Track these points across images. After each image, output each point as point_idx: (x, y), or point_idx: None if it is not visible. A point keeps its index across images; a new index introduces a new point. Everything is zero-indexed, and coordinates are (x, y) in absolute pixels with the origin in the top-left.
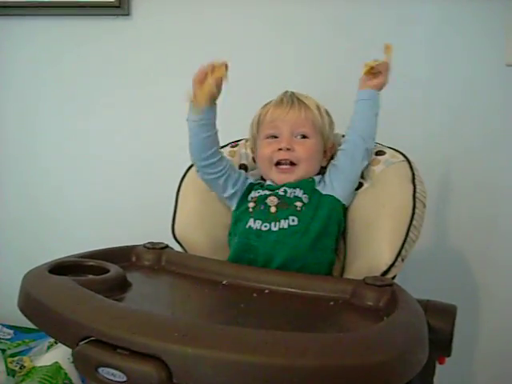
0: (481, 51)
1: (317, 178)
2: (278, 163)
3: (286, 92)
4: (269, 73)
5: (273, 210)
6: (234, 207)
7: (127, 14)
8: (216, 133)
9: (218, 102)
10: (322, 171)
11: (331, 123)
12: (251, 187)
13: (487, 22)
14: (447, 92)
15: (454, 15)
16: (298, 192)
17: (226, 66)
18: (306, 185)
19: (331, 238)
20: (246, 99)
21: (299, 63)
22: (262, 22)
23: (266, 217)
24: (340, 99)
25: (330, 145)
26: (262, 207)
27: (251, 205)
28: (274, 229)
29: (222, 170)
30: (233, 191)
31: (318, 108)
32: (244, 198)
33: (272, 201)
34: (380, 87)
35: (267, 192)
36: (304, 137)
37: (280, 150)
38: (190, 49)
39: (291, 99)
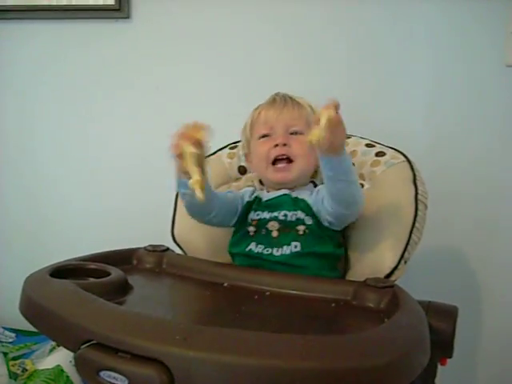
0: (480, 52)
1: (311, 196)
2: (274, 162)
3: (278, 93)
4: (268, 73)
5: (275, 234)
6: (233, 224)
7: (127, 17)
8: (212, 193)
9: (218, 102)
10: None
11: None
12: (249, 206)
13: (487, 23)
14: (447, 93)
15: (454, 16)
16: (300, 214)
17: (203, 128)
18: (305, 207)
19: (335, 253)
20: (246, 100)
21: (299, 63)
22: (262, 24)
23: (269, 241)
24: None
25: None
26: (263, 231)
27: (252, 229)
28: (276, 254)
29: (226, 217)
30: (236, 219)
31: (311, 107)
32: (243, 219)
33: (273, 225)
34: (334, 149)
35: (267, 216)
36: (299, 133)
37: (276, 146)
38: (190, 51)
39: (284, 98)
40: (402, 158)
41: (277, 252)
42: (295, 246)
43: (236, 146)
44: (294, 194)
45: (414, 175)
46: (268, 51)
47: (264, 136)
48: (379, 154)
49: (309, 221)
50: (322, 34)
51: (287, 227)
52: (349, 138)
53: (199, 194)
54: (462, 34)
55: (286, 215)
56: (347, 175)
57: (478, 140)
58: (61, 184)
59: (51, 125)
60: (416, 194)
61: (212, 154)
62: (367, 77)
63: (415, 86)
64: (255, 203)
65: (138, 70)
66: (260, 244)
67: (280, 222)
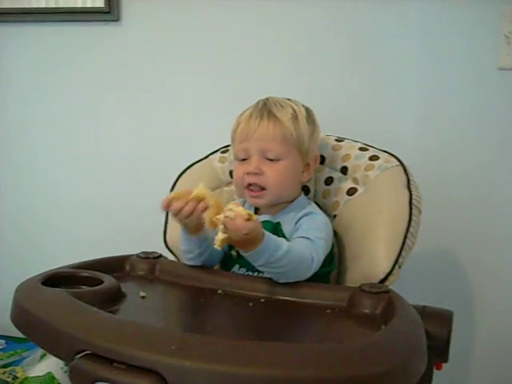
0: (473, 54)
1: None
2: (248, 186)
3: (258, 103)
4: (261, 75)
5: None
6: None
7: (117, 20)
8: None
9: (209, 105)
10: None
11: (313, 132)
12: None
13: (480, 25)
14: (439, 96)
15: (447, 19)
16: None
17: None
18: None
19: (324, 272)
20: (238, 102)
21: (293, 65)
22: (253, 25)
23: (251, 265)
24: (337, 100)
25: (313, 157)
26: None
27: (234, 253)
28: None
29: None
30: None
31: (295, 118)
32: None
33: None
34: (243, 246)
35: None
36: (275, 160)
37: (248, 173)
38: (180, 54)
39: (261, 113)
40: (396, 162)
41: (259, 274)
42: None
43: (227, 150)
44: (276, 219)
45: (408, 179)
46: (260, 52)
47: (240, 159)
48: (373, 157)
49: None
50: (317, 36)
51: None
52: (342, 141)
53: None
54: (455, 36)
55: None
56: (275, 263)
57: (472, 143)
58: (58, 186)
59: (47, 126)
60: (410, 198)
61: (204, 159)
62: (361, 80)
63: (408, 90)
64: None
65: (127, 73)
66: (243, 267)
67: None
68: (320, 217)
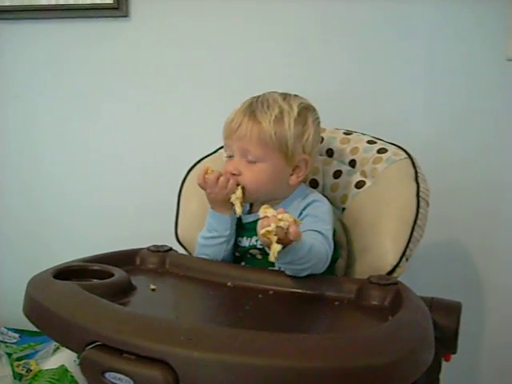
0: (481, 45)
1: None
2: None
3: (248, 101)
4: (269, 73)
5: (259, 257)
6: None
7: (126, 16)
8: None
9: (219, 100)
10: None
11: (302, 133)
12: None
13: (487, 16)
14: (447, 87)
15: (454, 10)
16: None
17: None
18: None
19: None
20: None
21: (300, 62)
22: (263, 22)
23: (254, 263)
24: (339, 95)
25: (302, 160)
26: (248, 256)
27: (237, 254)
28: None
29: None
30: None
31: (279, 119)
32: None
33: (255, 251)
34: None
35: (246, 244)
36: (255, 162)
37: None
38: (190, 50)
39: (243, 113)
40: (404, 155)
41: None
42: (279, 268)
43: None
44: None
45: (416, 172)
46: (267, 49)
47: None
48: (381, 150)
49: None
50: (321, 32)
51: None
52: (350, 134)
53: (238, 209)
54: (463, 27)
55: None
56: (300, 259)
57: (479, 134)
58: (63, 184)
59: (52, 124)
60: (418, 191)
61: (213, 153)
62: (365, 72)
63: (415, 82)
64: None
65: (137, 69)
66: (247, 265)
67: (259, 249)
68: (324, 205)
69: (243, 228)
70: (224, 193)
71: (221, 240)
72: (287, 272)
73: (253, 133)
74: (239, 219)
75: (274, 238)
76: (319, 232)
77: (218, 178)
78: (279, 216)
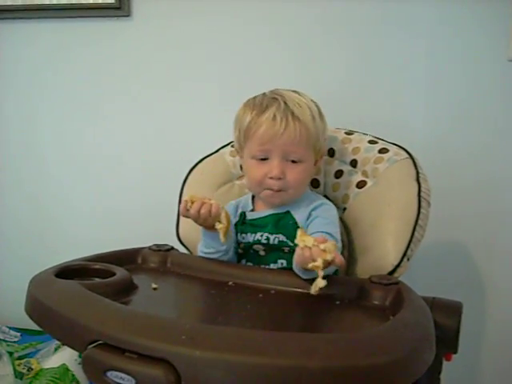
0: (483, 46)
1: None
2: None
3: (278, 102)
4: (269, 72)
5: (262, 253)
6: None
7: (128, 15)
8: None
9: (220, 99)
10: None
11: (325, 128)
12: (236, 228)
13: (489, 17)
14: (449, 87)
15: (455, 10)
16: (282, 237)
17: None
18: (287, 228)
19: None
20: (248, 96)
21: (300, 61)
22: (264, 22)
23: (257, 260)
24: (339, 95)
25: (321, 154)
26: (251, 251)
27: (240, 250)
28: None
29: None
30: None
31: (313, 116)
32: (237, 232)
33: (258, 247)
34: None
35: (250, 239)
36: (297, 162)
37: (271, 177)
38: (191, 49)
39: (285, 115)
40: (405, 155)
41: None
42: (281, 264)
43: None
44: (284, 209)
45: (417, 172)
46: (268, 48)
47: (258, 158)
48: (382, 150)
49: (292, 242)
50: (321, 31)
51: (272, 249)
52: (351, 134)
53: (222, 237)
54: (464, 27)
55: (268, 238)
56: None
57: (480, 135)
58: (63, 184)
59: (53, 124)
60: (419, 191)
61: (215, 152)
62: (366, 71)
63: (416, 82)
64: (240, 222)
65: (138, 69)
66: (249, 262)
67: (264, 244)
68: (332, 209)
69: (248, 224)
70: (209, 221)
71: (219, 254)
72: (302, 276)
73: (302, 134)
74: (244, 218)
75: (321, 274)
76: (331, 235)
77: (198, 211)
78: (322, 246)
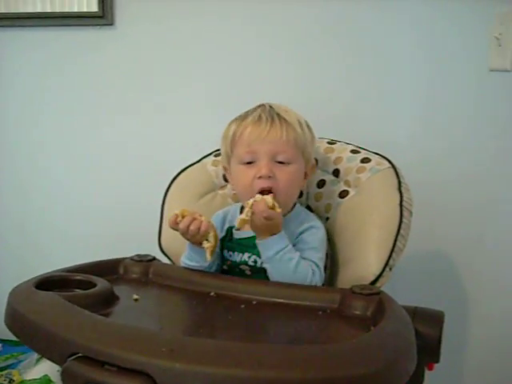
0: (464, 56)
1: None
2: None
3: (264, 106)
4: (258, 78)
5: (248, 273)
6: None
7: (111, 24)
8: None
9: (204, 108)
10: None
11: (313, 139)
12: (222, 243)
13: (470, 27)
14: (430, 97)
15: (437, 20)
16: None
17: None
18: None
19: None
20: (233, 106)
21: (289, 68)
22: (249, 28)
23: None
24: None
25: (311, 165)
26: (237, 270)
27: (225, 267)
28: None
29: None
30: None
31: (300, 124)
32: (220, 254)
33: (245, 267)
34: (261, 232)
35: (237, 259)
36: (286, 163)
37: (260, 177)
38: (175, 57)
39: (270, 116)
40: (387, 165)
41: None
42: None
43: (220, 154)
44: None
45: (399, 182)
46: (256, 55)
47: (245, 163)
48: (364, 160)
49: None
50: (310, 38)
51: (258, 271)
52: (334, 143)
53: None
54: (448, 39)
55: (255, 261)
56: (282, 261)
57: (464, 145)
58: (62, 186)
59: (43, 130)
60: (401, 200)
61: (196, 162)
62: (354, 83)
63: (401, 91)
64: (227, 239)
65: (122, 77)
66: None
67: (250, 266)
68: (320, 232)
69: (235, 243)
70: (197, 238)
71: (202, 267)
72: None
73: (288, 134)
74: (231, 235)
75: (247, 209)
76: (312, 261)
77: (188, 226)
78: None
